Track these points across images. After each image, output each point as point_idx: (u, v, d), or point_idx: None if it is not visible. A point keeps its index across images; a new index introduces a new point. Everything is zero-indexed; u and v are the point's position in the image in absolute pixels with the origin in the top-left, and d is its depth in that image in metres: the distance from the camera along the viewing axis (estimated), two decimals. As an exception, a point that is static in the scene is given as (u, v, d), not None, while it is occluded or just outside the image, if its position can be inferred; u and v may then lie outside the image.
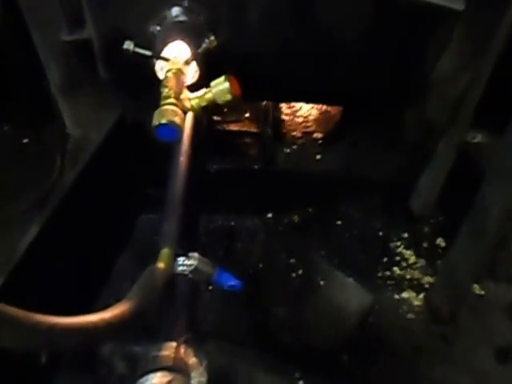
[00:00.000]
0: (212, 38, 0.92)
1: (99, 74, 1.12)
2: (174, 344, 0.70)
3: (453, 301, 1.38)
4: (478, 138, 1.58)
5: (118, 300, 0.62)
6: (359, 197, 1.54)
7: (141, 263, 1.43)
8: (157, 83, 0.95)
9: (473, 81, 1.22)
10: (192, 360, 0.68)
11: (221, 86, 0.90)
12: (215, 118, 1.53)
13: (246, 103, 1.53)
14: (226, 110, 1.52)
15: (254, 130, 1.50)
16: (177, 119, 0.83)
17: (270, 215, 1.57)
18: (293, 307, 1.40)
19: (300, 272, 1.47)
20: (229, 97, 0.91)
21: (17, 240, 1.36)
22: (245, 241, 1.54)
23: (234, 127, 1.51)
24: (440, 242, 1.56)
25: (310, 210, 1.56)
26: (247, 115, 1.54)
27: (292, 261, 1.50)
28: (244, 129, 1.50)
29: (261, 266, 1.49)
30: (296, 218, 1.57)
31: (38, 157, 1.68)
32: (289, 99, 1.46)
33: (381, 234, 1.57)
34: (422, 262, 1.53)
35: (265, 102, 1.53)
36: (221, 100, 0.91)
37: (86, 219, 1.15)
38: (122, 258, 1.36)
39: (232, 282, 0.79)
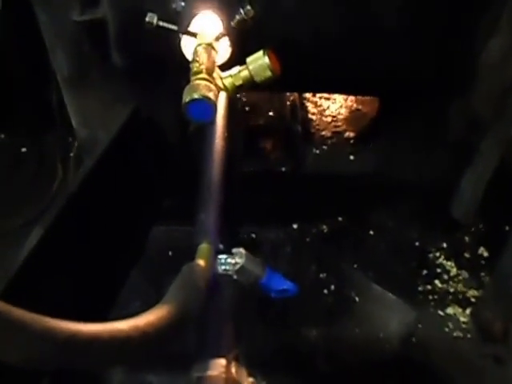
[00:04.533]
0: (248, 7, 0.82)
1: (112, 62, 1.02)
2: (222, 361, 0.57)
3: (506, 316, 1.27)
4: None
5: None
6: (393, 203, 1.44)
7: (153, 281, 1.32)
8: (178, 69, 0.86)
9: None
10: (248, 381, 0.56)
11: (259, 61, 0.80)
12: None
13: (271, 99, 1.43)
14: (248, 108, 1.41)
15: (280, 128, 1.40)
16: (211, 95, 0.72)
17: (295, 225, 1.46)
18: (325, 328, 1.29)
19: (332, 288, 1.36)
20: (268, 73, 0.80)
21: (17, 253, 1.26)
22: (269, 254, 1.41)
23: (257, 126, 1.40)
24: (482, 251, 1.46)
25: (340, 218, 1.45)
26: (271, 113, 1.43)
27: (322, 275, 1.38)
28: (269, 127, 1.39)
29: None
30: (325, 228, 1.46)
31: (37, 167, 1.60)
32: (325, 89, 1.35)
33: (417, 244, 1.47)
34: (464, 273, 1.42)
35: (292, 98, 1.43)
36: (259, 77, 0.81)
37: (91, 228, 1.02)
38: (132, 274, 1.24)
39: (285, 285, 0.67)
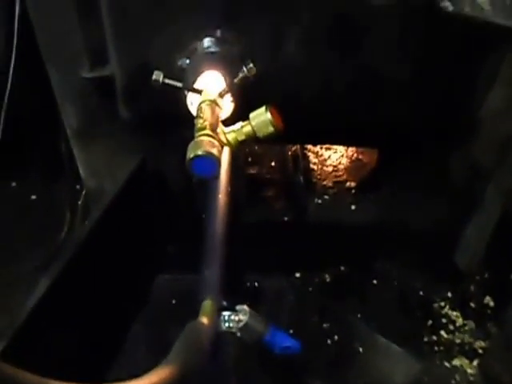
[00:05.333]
0: (251, 65, 0.86)
1: (119, 116, 1.06)
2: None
3: (514, 367, 1.25)
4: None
5: (131, 371, 0.50)
6: (397, 252, 1.44)
7: (157, 328, 1.32)
8: (183, 122, 0.89)
9: None
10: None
11: (262, 117, 0.83)
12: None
13: (273, 150, 1.47)
14: (250, 159, 1.45)
15: (282, 179, 1.43)
16: (215, 151, 0.75)
17: (298, 274, 1.46)
18: (329, 379, 1.26)
19: (335, 338, 1.34)
20: (271, 129, 0.83)
21: (24, 301, 1.27)
22: (271, 303, 1.40)
23: (260, 176, 1.43)
24: (488, 301, 1.45)
25: (343, 267, 1.46)
26: (273, 164, 1.47)
27: (326, 325, 1.37)
28: (271, 178, 1.42)
29: (290, 332, 1.35)
30: (328, 278, 1.46)
31: (46, 214, 1.64)
32: (326, 140, 1.39)
33: (422, 293, 1.46)
34: (470, 324, 1.41)
35: (293, 149, 1.47)
36: (261, 133, 0.84)
37: (98, 278, 1.03)
38: (136, 322, 1.24)
39: (288, 342, 0.67)
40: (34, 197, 1.73)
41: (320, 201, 1.48)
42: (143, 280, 1.37)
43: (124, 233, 1.15)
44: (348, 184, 1.52)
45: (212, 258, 0.72)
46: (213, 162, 0.75)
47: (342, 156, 1.62)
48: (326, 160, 1.62)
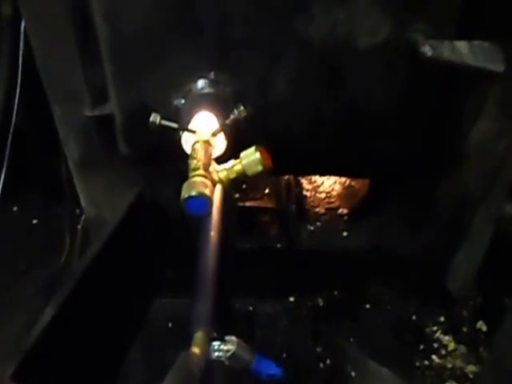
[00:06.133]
0: (241, 108, 0.95)
1: (119, 150, 1.15)
2: None
3: (504, 392, 1.30)
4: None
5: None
6: (389, 277, 1.51)
7: (154, 351, 1.38)
8: (179, 158, 0.97)
9: (510, 148, 1.22)
10: None
11: (251, 157, 0.91)
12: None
13: (266, 179, 1.55)
14: (244, 186, 1.53)
15: (275, 206, 1.51)
16: (207, 191, 0.83)
17: (292, 299, 1.53)
18: (322, 402, 1.33)
19: (328, 362, 1.41)
20: (260, 168, 0.91)
21: (25, 323, 1.35)
22: (265, 327, 1.48)
23: (254, 204, 1.51)
24: (481, 325, 1.51)
25: (336, 292, 1.52)
26: (267, 191, 1.55)
27: (319, 349, 1.44)
28: (265, 205, 1.50)
29: (284, 355, 1.42)
30: (321, 302, 1.52)
31: (46, 238, 1.72)
32: (316, 172, 1.47)
33: (415, 318, 1.52)
34: (462, 348, 1.47)
35: (286, 177, 1.55)
36: (251, 171, 0.92)
37: (99, 305, 1.11)
38: (134, 345, 1.31)
39: (272, 370, 0.74)
40: (34, 221, 1.82)
41: (312, 227, 1.56)
42: (141, 305, 1.44)
43: (124, 261, 1.23)
44: (340, 211, 1.60)
45: (203, 292, 0.80)
46: (205, 201, 0.83)
47: (335, 182, 1.70)
48: (319, 186, 1.70)
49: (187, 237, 1.24)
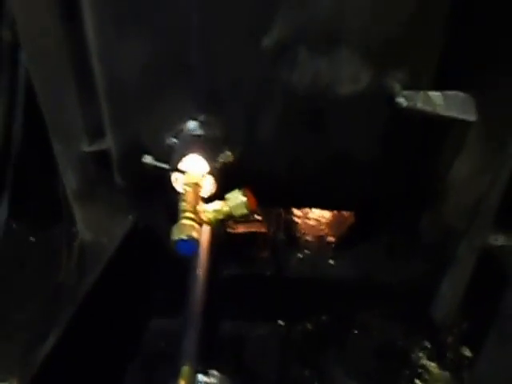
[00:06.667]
0: (228, 153, 1.04)
1: (115, 182, 1.24)
2: None
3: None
4: (501, 240, 1.65)
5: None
6: (376, 303, 1.58)
7: (148, 370, 1.47)
8: (171, 192, 1.07)
9: (492, 182, 1.28)
10: None
11: (237, 200, 1.01)
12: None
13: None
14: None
15: (265, 232, 1.60)
16: (195, 234, 0.92)
17: (281, 323, 1.61)
18: (308, 426, 1.41)
19: (315, 385, 1.49)
20: (245, 211, 1.01)
21: (25, 341, 1.43)
22: (255, 350, 1.54)
23: (243, 228, 1.60)
24: (465, 351, 1.58)
25: (325, 317, 1.60)
26: (257, 217, 1.64)
27: (306, 373, 1.51)
28: (254, 230, 1.59)
29: (273, 377, 1.50)
30: (310, 326, 1.60)
31: (44, 257, 1.79)
32: (301, 206, 1.57)
33: (400, 343, 1.59)
34: (446, 374, 1.53)
35: (276, 206, 1.64)
36: (237, 213, 1.01)
37: (98, 328, 1.21)
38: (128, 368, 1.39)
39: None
40: (32, 238, 1.90)
41: (301, 255, 1.64)
42: (137, 326, 1.53)
43: (121, 286, 1.32)
44: (328, 239, 1.69)
45: (190, 327, 0.89)
46: (194, 243, 0.92)
47: (324, 210, 1.77)
48: (308, 213, 1.78)
49: (180, 261, 1.34)
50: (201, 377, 0.86)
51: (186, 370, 0.82)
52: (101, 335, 1.21)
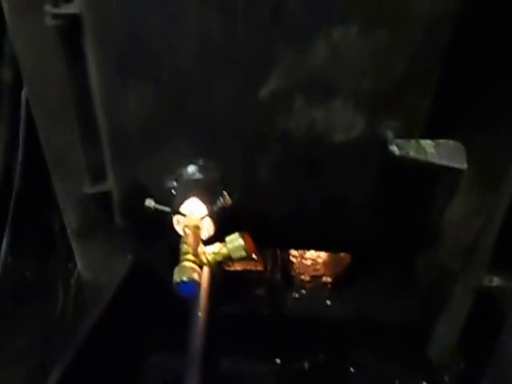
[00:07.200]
0: (227, 196, 1.11)
1: (115, 222, 1.30)
2: None
3: None
4: (496, 281, 1.70)
5: None
6: (373, 343, 1.63)
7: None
8: (171, 233, 1.13)
9: (486, 223, 1.35)
10: None
11: (235, 243, 1.07)
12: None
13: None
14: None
15: (261, 270, 1.66)
16: (195, 275, 0.98)
17: (278, 361, 1.65)
18: None
19: (313, 424, 1.53)
20: (243, 253, 1.07)
21: (23, 378, 1.46)
22: (253, 387, 1.60)
23: (240, 266, 1.67)
24: (463, 390, 1.62)
25: (321, 356, 1.64)
26: (254, 257, 1.70)
27: (304, 411, 1.55)
28: (251, 267, 1.66)
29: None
30: (306, 365, 1.64)
31: (40, 291, 1.83)
32: (298, 247, 1.63)
33: (397, 382, 1.63)
34: (443, 414, 1.58)
35: (273, 246, 1.70)
36: (235, 256, 1.07)
37: (98, 366, 1.25)
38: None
39: None
40: (28, 273, 1.95)
41: (297, 295, 1.70)
42: (135, 364, 1.57)
43: (120, 325, 1.37)
44: (324, 279, 1.75)
45: (191, 369, 0.94)
46: (194, 285, 0.98)
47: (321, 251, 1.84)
48: (305, 253, 1.84)
49: (179, 301, 1.39)
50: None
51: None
52: (100, 375, 1.26)
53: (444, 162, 1.11)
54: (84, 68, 1.13)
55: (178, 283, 0.97)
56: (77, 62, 1.13)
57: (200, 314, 1.01)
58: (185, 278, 0.97)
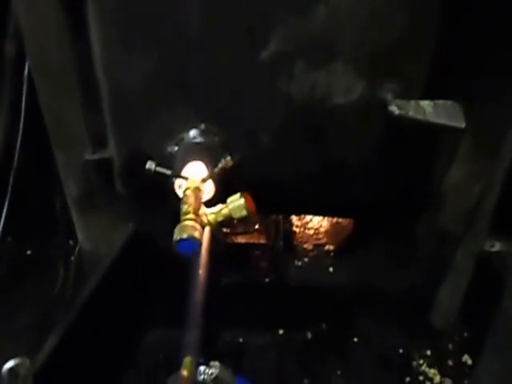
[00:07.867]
0: (228, 158, 1.16)
1: (116, 190, 1.35)
2: None
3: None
4: (497, 246, 1.75)
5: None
6: (376, 311, 1.68)
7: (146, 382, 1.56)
8: (172, 199, 1.18)
9: (486, 188, 1.40)
10: None
11: (236, 203, 1.11)
12: (224, 230, 1.74)
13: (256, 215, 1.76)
14: (235, 221, 1.74)
15: (264, 242, 1.71)
16: (196, 234, 1.03)
17: (281, 331, 1.70)
18: (308, 434, 1.49)
19: (315, 394, 1.58)
20: (244, 213, 1.11)
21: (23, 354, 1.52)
22: (255, 359, 1.64)
23: (243, 239, 1.72)
24: (466, 359, 1.67)
25: (324, 325, 1.70)
26: (257, 227, 1.75)
27: (306, 381, 1.60)
28: (254, 241, 1.71)
29: (272, 386, 1.60)
30: (309, 335, 1.70)
31: (40, 269, 1.89)
32: (300, 212, 1.68)
33: (401, 351, 1.68)
34: (448, 381, 1.62)
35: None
36: (236, 215, 1.12)
37: (96, 335, 1.30)
38: (127, 376, 1.49)
39: (251, 390, 0.94)
40: (29, 252, 2.01)
41: (300, 263, 1.75)
42: (134, 336, 1.62)
43: (119, 294, 1.42)
44: (327, 247, 1.80)
45: (193, 323, 0.99)
46: (195, 243, 1.03)
47: (323, 219, 1.89)
48: (307, 223, 1.90)
49: (179, 270, 1.45)
50: (203, 368, 0.96)
51: (188, 360, 0.91)
52: (98, 344, 1.31)
53: (442, 120, 1.15)
54: (86, 33, 1.17)
55: (177, 241, 1.01)
56: (79, 27, 1.17)
57: (200, 271, 1.05)
58: (185, 236, 1.00)
